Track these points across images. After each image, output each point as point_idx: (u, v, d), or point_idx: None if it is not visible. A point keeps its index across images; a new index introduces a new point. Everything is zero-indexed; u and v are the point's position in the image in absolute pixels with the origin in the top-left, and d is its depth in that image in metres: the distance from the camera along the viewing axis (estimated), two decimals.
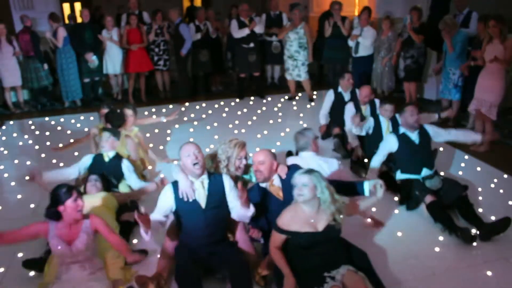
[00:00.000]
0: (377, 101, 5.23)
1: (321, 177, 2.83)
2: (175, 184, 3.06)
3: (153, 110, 7.23)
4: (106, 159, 4.00)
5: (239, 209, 3.06)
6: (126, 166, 4.01)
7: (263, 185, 3.32)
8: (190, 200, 3.00)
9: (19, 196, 4.46)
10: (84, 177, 3.99)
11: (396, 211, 4.00)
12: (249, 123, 6.53)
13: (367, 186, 3.29)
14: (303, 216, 2.79)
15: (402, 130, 4.16)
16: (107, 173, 3.91)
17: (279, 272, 2.81)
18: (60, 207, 2.74)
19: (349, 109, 5.25)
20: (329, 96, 5.73)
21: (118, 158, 4.03)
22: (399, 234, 3.64)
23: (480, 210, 3.90)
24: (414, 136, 4.06)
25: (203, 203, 3.01)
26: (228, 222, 3.20)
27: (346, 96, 5.57)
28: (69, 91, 7.47)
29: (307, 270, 2.72)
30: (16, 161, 5.35)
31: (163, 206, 3.09)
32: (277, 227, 2.83)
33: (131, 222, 3.69)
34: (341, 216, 2.84)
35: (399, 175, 4.14)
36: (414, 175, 4.02)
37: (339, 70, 7.39)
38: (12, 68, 7.19)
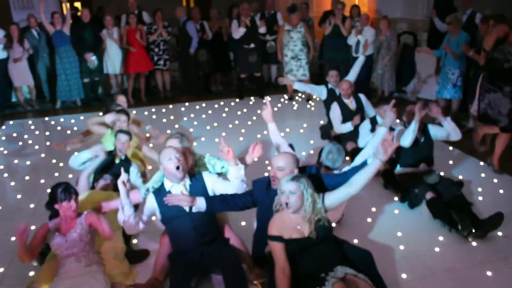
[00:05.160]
0: (362, 96, 5.29)
1: (308, 184, 2.68)
2: (156, 193, 3.01)
3: (153, 110, 7.24)
4: (117, 160, 3.98)
5: (232, 187, 2.99)
6: (134, 171, 3.95)
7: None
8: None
9: (19, 196, 4.46)
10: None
11: (396, 211, 4.00)
12: (249, 123, 6.52)
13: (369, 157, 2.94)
14: (290, 223, 2.68)
15: None
16: (115, 173, 3.88)
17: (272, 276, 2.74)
18: (56, 205, 2.91)
19: (334, 110, 5.21)
20: (322, 89, 5.68)
21: (127, 161, 4.02)
22: (399, 234, 3.64)
23: (479, 210, 3.90)
24: (419, 135, 4.15)
25: (186, 206, 2.90)
26: (216, 222, 3.15)
27: (337, 91, 5.57)
28: (64, 91, 7.44)
29: (303, 274, 2.65)
30: (16, 161, 5.35)
31: (148, 211, 3.03)
32: (270, 236, 2.68)
33: None
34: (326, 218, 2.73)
35: (398, 169, 4.26)
36: (412, 168, 4.17)
37: (342, 70, 7.36)
38: (23, 68, 7.22)
